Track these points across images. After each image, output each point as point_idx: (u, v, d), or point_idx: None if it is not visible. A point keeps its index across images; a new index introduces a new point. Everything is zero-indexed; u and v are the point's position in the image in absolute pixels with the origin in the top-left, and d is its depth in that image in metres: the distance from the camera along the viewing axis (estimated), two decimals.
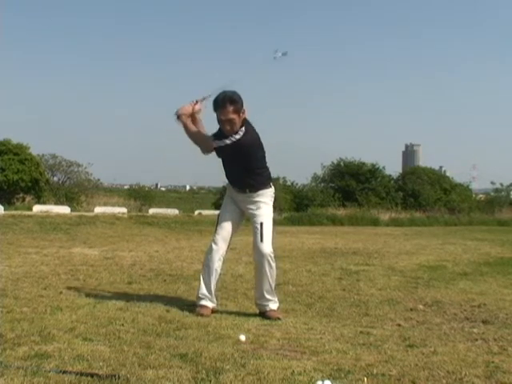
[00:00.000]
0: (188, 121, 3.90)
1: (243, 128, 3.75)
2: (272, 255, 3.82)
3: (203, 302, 3.83)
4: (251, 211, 3.90)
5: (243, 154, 3.77)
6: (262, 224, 3.84)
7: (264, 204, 3.92)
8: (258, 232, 3.83)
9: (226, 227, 3.90)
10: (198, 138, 3.91)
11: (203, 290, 3.85)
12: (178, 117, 3.90)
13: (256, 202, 3.90)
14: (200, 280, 3.92)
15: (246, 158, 3.81)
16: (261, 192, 3.91)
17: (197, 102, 3.95)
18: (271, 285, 3.86)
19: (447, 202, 27.64)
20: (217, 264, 3.87)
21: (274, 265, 3.85)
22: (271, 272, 3.84)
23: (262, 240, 3.81)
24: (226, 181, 4.12)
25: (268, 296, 3.84)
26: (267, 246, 3.81)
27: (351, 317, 3.90)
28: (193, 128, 3.91)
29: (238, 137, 3.72)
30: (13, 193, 18.14)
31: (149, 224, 13.39)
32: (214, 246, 3.88)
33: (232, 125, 3.70)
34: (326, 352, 2.92)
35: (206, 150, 3.90)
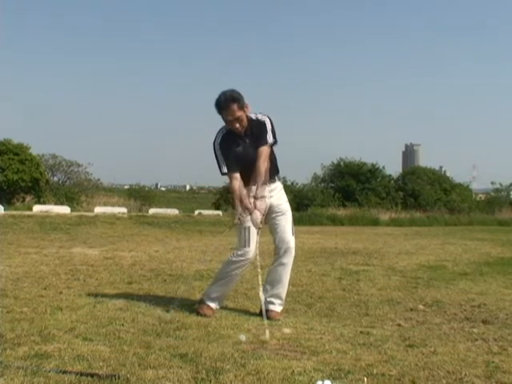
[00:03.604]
0: (248, 197, 3.63)
1: (263, 116, 3.74)
2: None
3: (210, 303, 3.79)
4: (281, 203, 3.83)
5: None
6: (291, 218, 3.86)
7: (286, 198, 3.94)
8: (290, 225, 3.82)
9: (255, 238, 3.73)
10: (261, 170, 3.64)
11: (216, 293, 3.81)
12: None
13: (282, 195, 3.87)
14: (215, 284, 3.85)
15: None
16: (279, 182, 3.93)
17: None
18: (287, 285, 3.86)
19: (447, 202, 27.66)
20: (240, 275, 3.86)
21: None
22: (290, 270, 3.84)
23: (293, 233, 3.82)
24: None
25: (282, 295, 3.82)
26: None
27: (351, 317, 3.90)
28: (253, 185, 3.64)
29: (269, 127, 3.70)
30: (13, 193, 18.17)
31: (149, 224, 13.39)
32: (244, 259, 3.71)
33: (240, 122, 3.67)
34: (326, 352, 2.92)
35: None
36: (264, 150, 3.66)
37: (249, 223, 3.69)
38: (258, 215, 3.59)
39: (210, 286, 3.91)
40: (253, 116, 3.74)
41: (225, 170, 3.71)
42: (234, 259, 3.77)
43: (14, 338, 2.94)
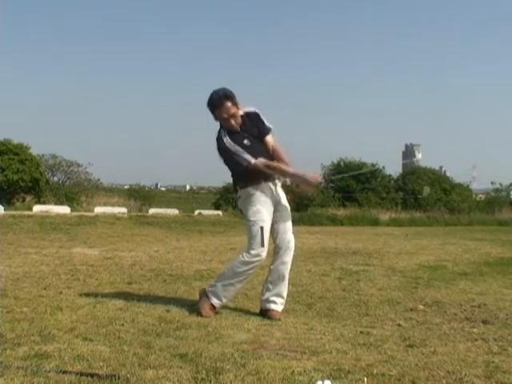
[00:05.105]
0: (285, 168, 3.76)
1: (251, 108, 3.80)
2: None
3: (215, 302, 3.74)
4: (284, 201, 3.84)
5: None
6: (290, 216, 3.88)
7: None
8: (290, 224, 3.82)
9: (268, 238, 3.72)
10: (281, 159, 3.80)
11: (224, 292, 3.75)
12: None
13: (281, 192, 3.88)
14: (223, 283, 3.77)
15: None
16: None
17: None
18: (288, 284, 3.86)
19: (447, 202, 27.66)
20: (252, 275, 3.85)
21: None
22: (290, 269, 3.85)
23: (292, 231, 3.83)
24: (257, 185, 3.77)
25: (284, 294, 3.82)
26: None
27: (351, 317, 3.90)
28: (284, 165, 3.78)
29: (262, 116, 3.78)
30: (13, 193, 18.16)
31: (149, 224, 13.39)
32: (258, 259, 3.67)
33: (235, 118, 3.70)
34: (326, 352, 2.92)
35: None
36: (271, 140, 3.78)
37: (263, 223, 3.68)
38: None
39: (216, 285, 3.79)
40: (241, 112, 3.77)
41: (251, 158, 3.63)
42: (248, 259, 3.69)
43: (14, 338, 2.94)
